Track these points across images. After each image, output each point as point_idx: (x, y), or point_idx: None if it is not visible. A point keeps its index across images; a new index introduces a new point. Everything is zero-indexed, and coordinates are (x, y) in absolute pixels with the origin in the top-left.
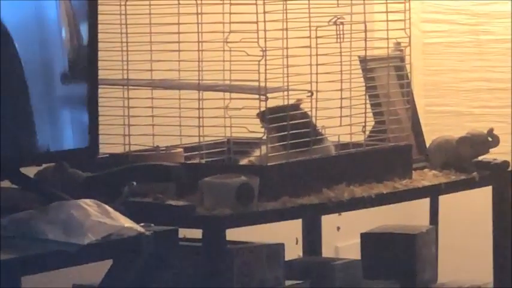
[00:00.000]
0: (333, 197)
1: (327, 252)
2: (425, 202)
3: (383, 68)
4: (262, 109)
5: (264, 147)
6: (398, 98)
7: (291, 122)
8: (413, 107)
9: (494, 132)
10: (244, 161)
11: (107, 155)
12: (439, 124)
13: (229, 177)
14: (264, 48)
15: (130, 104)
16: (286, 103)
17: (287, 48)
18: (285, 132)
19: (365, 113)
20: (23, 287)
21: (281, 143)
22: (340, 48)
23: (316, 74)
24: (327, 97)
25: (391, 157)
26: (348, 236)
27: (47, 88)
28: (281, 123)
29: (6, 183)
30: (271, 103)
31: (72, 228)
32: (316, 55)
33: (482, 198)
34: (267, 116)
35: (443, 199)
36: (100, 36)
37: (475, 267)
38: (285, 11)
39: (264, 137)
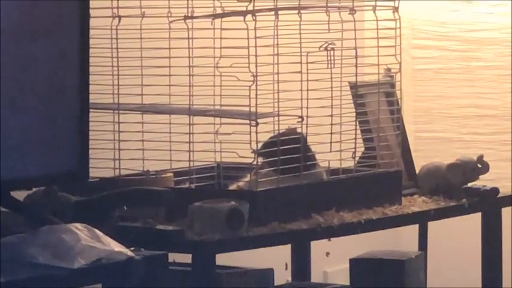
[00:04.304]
0: (323, 223)
1: (315, 277)
2: (414, 228)
3: (373, 94)
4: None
5: (254, 173)
6: (388, 124)
7: (282, 148)
8: (403, 133)
9: (484, 158)
10: (233, 186)
11: (97, 179)
12: (429, 150)
13: (219, 202)
14: (254, 74)
15: (120, 128)
16: (276, 128)
17: (278, 73)
18: (276, 158)
19: (355, 138)
20: None
21: (272, 168)
22: (331, 73)
23: (307, 99)
24: (318, 123)
25: (381, 183)
26: (337, 262)
27: (38, 112)
28: (272, 149)
29: None
30: (262, 128)
31: (62, 252)
32: (307, 80)
33: (471, 224)
34: (264, 150)
35: (432, 225)
36: (91, 60)
37: None
38: (276, 37)
39: (254, 163)
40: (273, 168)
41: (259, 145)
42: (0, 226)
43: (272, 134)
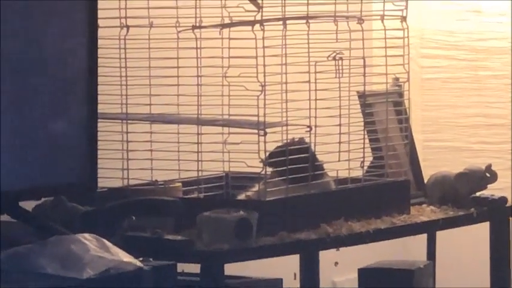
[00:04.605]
0: (331, 232)
1: (324, 287)
2: (423, 237)
3: (381, 103)
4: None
5: (262, 182)
6: (397, 134)
7: (290, 157)
8: (412, 142)
9: (492, 168)
10: (242, 196)
11: (106, 189)
12: (437, 159)
13: (228, 212)
14: (263, 83)
15: (129, 138)
16: (285, 138)
17: (286, 83)
18: (284, 167)
19: (363, 148)
20: None
21: (280, 178)
22: (339, 83)
23: (315, 109)
24: (326, 132)
25: (389, 192)
26: (345, 271)
27: (46, 122)
28: (280, 158)
29: (5, 217)
30: (270, 138)
31: (71, 263)
32: (315, 90)
33: (479, 234)
34: (272, 159)
35: (440, 234)
36: (99, 70)
37: None
38: (284, 46)
39: (263, 172)
40: (281, 178)
41: (267, 154)
42: (0, 236)
43: (280, 144)
